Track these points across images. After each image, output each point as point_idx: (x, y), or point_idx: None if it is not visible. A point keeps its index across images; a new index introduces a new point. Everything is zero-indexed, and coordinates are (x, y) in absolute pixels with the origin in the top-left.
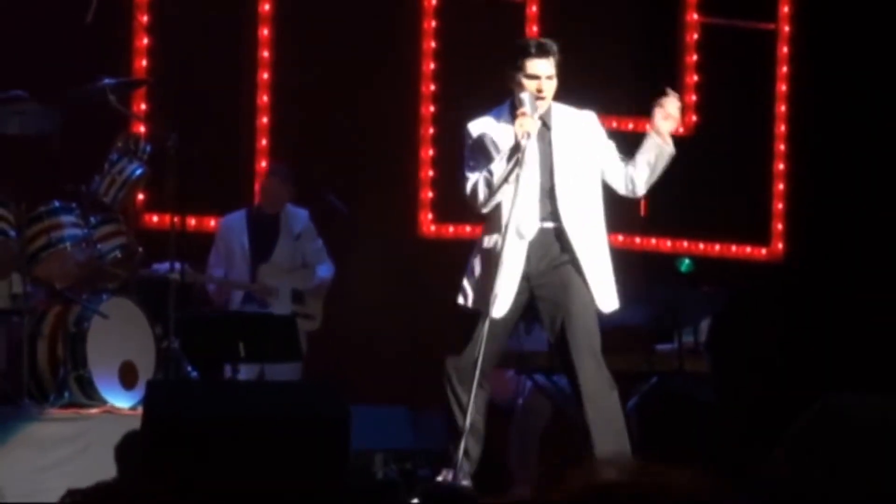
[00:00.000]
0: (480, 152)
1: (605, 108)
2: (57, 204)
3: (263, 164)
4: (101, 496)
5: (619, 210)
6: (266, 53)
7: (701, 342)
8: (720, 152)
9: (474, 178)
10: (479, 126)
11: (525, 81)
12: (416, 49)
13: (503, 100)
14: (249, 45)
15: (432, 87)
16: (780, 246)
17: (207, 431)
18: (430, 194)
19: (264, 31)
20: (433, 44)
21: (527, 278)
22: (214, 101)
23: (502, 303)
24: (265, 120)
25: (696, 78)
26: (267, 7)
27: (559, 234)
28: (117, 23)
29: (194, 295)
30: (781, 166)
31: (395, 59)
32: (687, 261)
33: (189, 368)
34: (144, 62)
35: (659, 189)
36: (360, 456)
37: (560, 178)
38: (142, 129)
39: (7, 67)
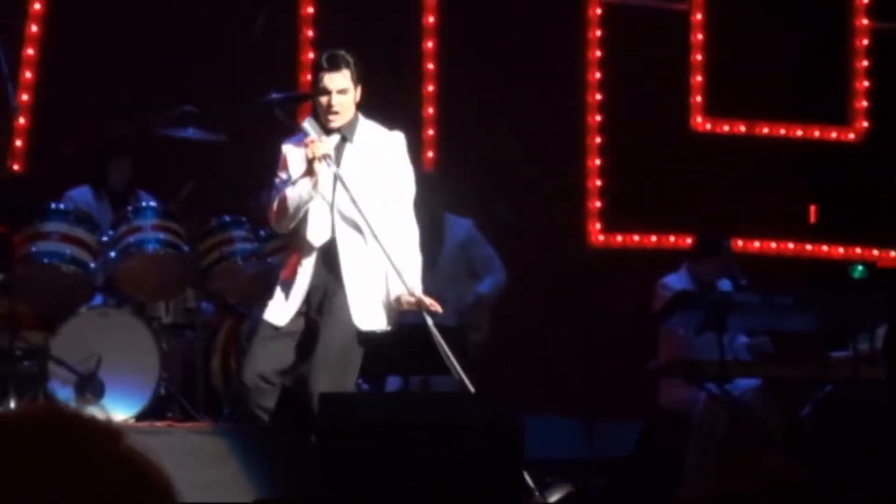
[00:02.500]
0: (282, 176)
1: (771, 115)
2: (227, 218)
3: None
4: None
5: (787, 218)
6: (431, 66)
7: (878, 349)
8: (891, 157)
9: (274, 200)
10: (288, 150)
11: (318, 97)
12: (582, 59)
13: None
14: (414, 58)
15: (598, 97)
16: None
17: (380, 440)
18: (599, 204)
19: (429, 44)
20: (598, 53)
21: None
22: (379, 115)
23: (284, 313)
24: (431, 132)
25: (866, 84)
26: (431, 20)
27: (331, 249)
28: (283, 38)
29: None
30: None
31: (561, 69)
32: (860, 267)
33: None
34: (310, 77)
35: (828, 195)
36: (532, 465)
37: (341, 194)
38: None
39: (177, 83)
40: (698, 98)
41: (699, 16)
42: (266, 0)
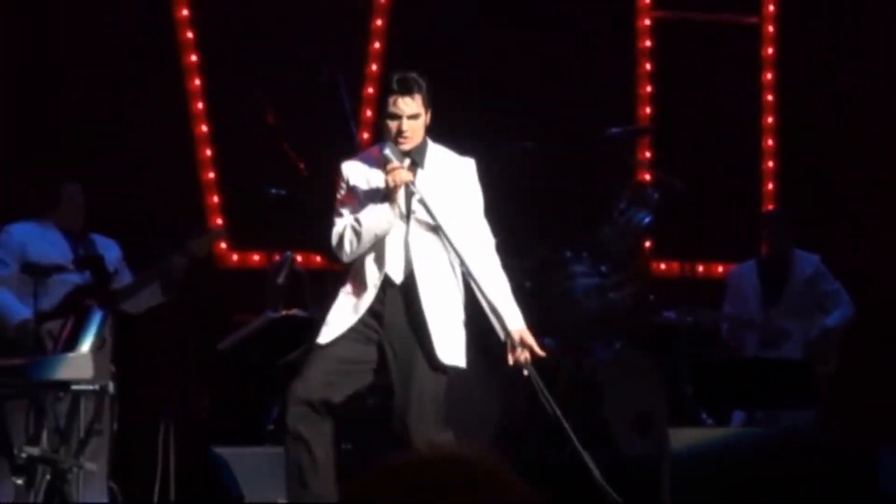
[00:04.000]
0: (349, 200)
1: None
2: (568, 254)
3: (769, 206)
4: None
5: None
6: (770, 97)
7: None
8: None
9: (341, 226)
10: (352, 169)
11: (387, 121)
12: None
13: None
14: (754, 89)
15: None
16: None
17: (731, 475)
18: None
19: (768, 76)
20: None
21: (380, 325)
22: (718, 147)
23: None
24: (770, 164)
25: None
26: (770, 51)
27: (410, 279)
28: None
29: (706, 341)
30: None
31: None
32: None
33: (703, 415)
34: (648, 109)
35: None
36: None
37: (416, 221)
38: (648, 176)
39: (516, 119)
40: None
41: (771, 28)
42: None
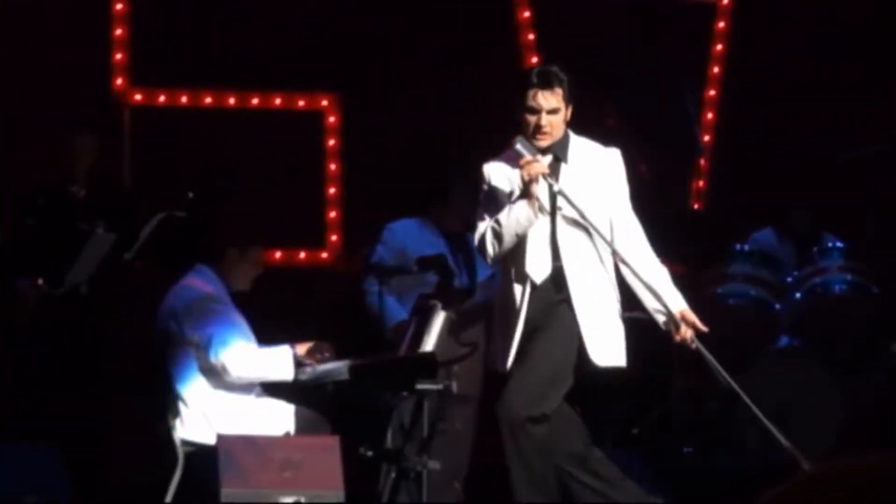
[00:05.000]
0: (491, 201)
1: None
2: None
3: None
4: None
5: None
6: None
7: None
8: None
9: (483, 228)
10: (493, 170)
11: (526, 115)
12: None
13: None
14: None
15: None
16: None
17: None
18: None
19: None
20: None
21: (527, 323)
22: None
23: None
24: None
25: None
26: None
27: (558, 276)
28: None
29: None
30: None
31: None
32: None
33: None
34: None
35: None
36: None
37: (563, 217)
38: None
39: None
40: None
41: None
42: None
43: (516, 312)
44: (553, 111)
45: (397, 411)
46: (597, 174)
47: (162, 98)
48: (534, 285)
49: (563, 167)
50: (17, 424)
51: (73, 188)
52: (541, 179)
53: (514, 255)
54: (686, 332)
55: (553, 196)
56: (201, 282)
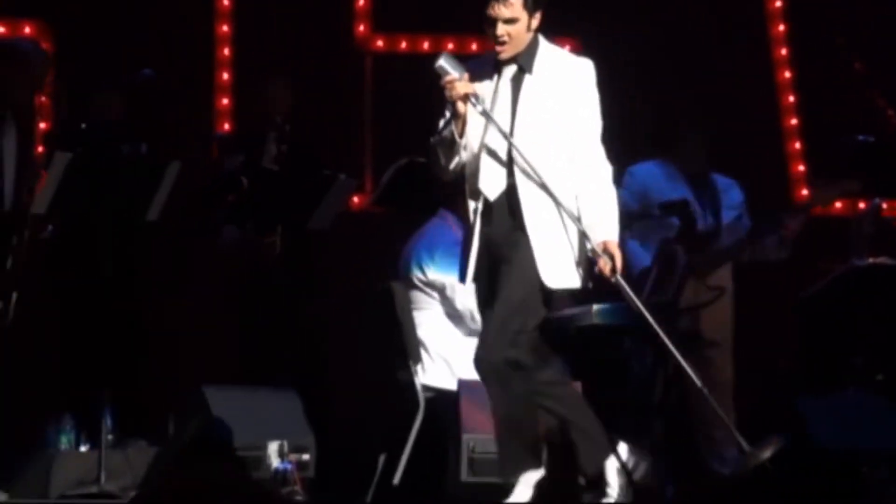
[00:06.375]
0: (440, 115)
1: None
2: None
3: None
4: None
5: None
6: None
7: None
8: None
9: (431, 143)
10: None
11: (485, 27)
12: None
13: None
14: None
15: None
16: None
17: None
18: None
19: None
20: None
21: (488, 246)
22: None
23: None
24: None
25: None
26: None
27: (511, 194)
28: None
29: None
30: None
31: None
32: None
33: None
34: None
35: None
36: None
37: (520, 131)
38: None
39: None
40: None
41: None
42: None
43: (470, 229)
44: (509, 20)
45: (639, 360)
46: (563, 85)
47: (403, 44)
48: (487, 202)
49: (527, 78)
50: (255, 371)
51: (271, 134)
52: (464, 102)
53: (470, 170)
54: (605, 265)
55: (513, 113)
56: (445, 227)
